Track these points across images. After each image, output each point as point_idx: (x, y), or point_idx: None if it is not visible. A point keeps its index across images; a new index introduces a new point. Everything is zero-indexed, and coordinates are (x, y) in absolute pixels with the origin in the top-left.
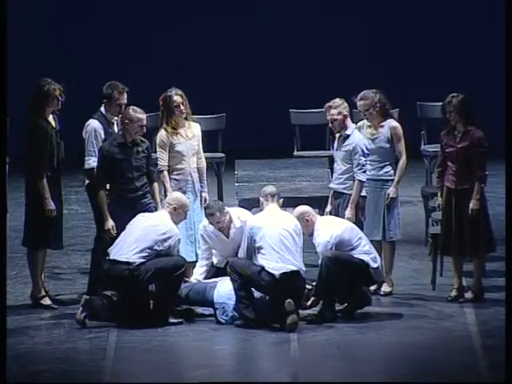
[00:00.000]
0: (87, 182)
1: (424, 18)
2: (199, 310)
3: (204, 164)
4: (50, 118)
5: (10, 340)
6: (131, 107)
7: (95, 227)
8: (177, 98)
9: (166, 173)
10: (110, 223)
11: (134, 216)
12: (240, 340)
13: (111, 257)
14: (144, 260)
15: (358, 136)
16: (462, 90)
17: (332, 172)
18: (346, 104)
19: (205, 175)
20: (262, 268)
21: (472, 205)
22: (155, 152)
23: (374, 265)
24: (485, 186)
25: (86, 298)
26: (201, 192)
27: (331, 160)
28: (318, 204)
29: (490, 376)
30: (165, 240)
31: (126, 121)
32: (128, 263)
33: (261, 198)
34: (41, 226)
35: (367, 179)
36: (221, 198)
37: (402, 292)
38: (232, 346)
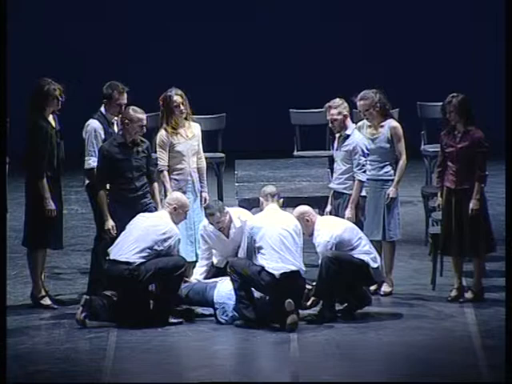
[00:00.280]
0: (87, 182)
1: (424, 18)
2: (199, 309)
3: (204, 164)
4: (50, 118)
5: (10, 340)
6: (131, 107)
7: (95, 227)
8: (177, 98)
9: (166, 173)
10: (110, 223)
11: (134, 216)
12: (240, 340)
13: (111, 257)
14: (144, 260)
15: (358, 136)
16: (462, 90)
17: (332, 172)
18: (346, 104)
19: (205, 175)
20: (262, 268)
21: (472, 205)
22: (155, 152)
23: (374, 265)
24: (485, 186)
25: (86, 298)
26: (201, 192)
27: (331, 160)
28: (318, 204)
29: (490, 376)
30: (165, 240)
31: (126, 121)
32: (128, 263)
33: (261, 198)
34: (41, 226)
35: (367, 179)
36: (221, 198)
37: (402, 292)
38: (232, 345)
